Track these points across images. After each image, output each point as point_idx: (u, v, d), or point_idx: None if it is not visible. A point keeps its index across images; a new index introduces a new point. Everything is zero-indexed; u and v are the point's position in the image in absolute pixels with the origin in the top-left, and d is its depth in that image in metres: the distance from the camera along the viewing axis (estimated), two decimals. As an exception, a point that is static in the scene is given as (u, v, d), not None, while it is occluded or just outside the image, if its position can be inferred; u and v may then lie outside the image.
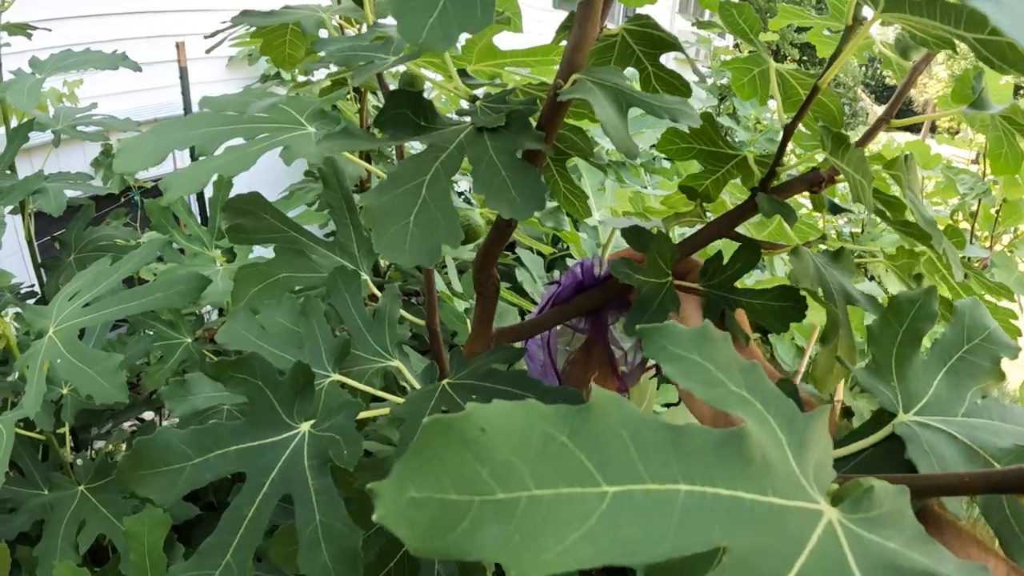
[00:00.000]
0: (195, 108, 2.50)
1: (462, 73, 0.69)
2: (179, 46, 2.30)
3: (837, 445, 0.54)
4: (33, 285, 1.08)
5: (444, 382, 0.60)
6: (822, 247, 0.72)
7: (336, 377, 0.63)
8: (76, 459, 0.90)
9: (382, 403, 0.65)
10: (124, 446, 0.99)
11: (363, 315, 0.67)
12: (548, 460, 0.26)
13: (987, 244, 1.74)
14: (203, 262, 0.98)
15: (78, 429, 0.96)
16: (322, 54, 0.64)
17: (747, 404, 0.36)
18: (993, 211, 1.69)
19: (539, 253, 1.22)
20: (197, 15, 2.84)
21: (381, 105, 0.66)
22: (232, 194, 1.07)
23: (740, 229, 0.67)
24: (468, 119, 0.56)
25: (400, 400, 0.63)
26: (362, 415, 0.60)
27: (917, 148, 1.83)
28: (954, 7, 0.45)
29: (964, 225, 1.78)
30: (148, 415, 1.12)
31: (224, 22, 0.80)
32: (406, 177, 0.51)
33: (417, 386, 0.66)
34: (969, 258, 1.45)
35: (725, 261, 0.63)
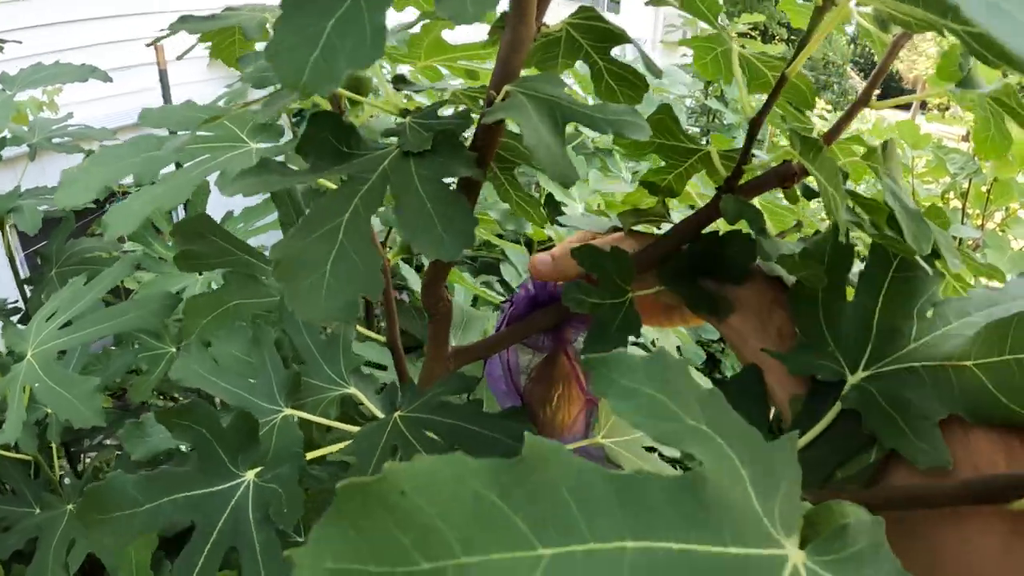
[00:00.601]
0: None
1: (399, 80, 0.61)
2: (158, 49, 2.23)
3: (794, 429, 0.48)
4: (17, 301, 1.06)
5: (396, 415, 0.56)
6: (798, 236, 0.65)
7: (288, 411, 0.59)
8: (64, 477, 0.89)
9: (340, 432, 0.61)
10: (115, 457, 0.99)
11: (317, 340, 0.63)
12: (477, 523, 0.22)
13: (979, 223, 1.63)
14: (181, 272, 0.94)
15: (70, 442, 0.95)
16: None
17: (706, 439, 0.31)
18: (984, 189, 1.57)
19: (526, 243, 1.16)
20: (175, 17, 2.69)
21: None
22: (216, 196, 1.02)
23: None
24: (396, 140, 0.50)
25: (356, 430, 0.59)
26: (315, 454, 0.57)
27: (906, 127, 1.70)
28: (941, -4, 0.37)
29: (956, 204, 1.66)
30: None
31: (162, 30, 0.73)
32: (321, 219, 0.45)
33: (377, 412, 0.62)
34: (961, 239, 1.35)
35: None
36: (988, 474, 0.37)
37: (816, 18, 0.50)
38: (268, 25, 0.74)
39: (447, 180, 0.47)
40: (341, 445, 0.57)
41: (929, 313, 0.48)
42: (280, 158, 0.63)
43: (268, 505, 0.50)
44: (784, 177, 0.55)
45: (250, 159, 0.62)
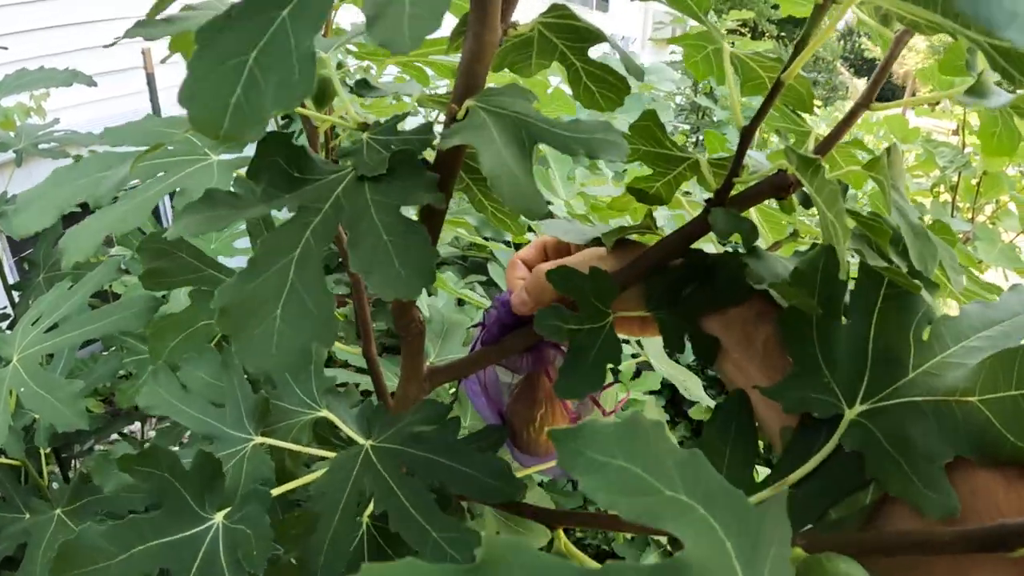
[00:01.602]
0: (164, 112, 2.37)
1: (362, 85, 0.55)
2: (145, 53, 2.17)
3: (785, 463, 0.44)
4: (6, 307, 1.03)
5: (368, 444, 0.52)
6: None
7: (259, 440, 0.55)
8: (52, 482, 0.86)
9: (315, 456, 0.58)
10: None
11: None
12: (432, 636, 0.19)
13: (969, 216, 1.56)
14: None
15: (60, 448, 0.93)
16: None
17: (686, 511, 0.27)
18: (974, 182, 1.50)
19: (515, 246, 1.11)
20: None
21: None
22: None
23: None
24: (351, 161, 0.44)
25: (330, 454, 0.56)
26: (283, 488, 0.53)
27: (895, 121, 1.61)
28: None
29: (945, 197, 1.59)
30: (135, 426, 1.08)
31: (117, 37, 0.67)
32: (270, 258, 0.40)
33: (353, 434, 0.58)
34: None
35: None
36: (989, 523, 0.34)
37: (815, 17, 0.44)
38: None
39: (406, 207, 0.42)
40: (312, 476, 0.53)
41: (926, 334, 0.44)
42: (243, 170, 0.58)
43: (239, 547, 0.47)
44: (779, 187, 0.50)
45: (211, 173, 0.57)
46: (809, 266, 0.46)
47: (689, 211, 0.58)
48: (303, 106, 0.56)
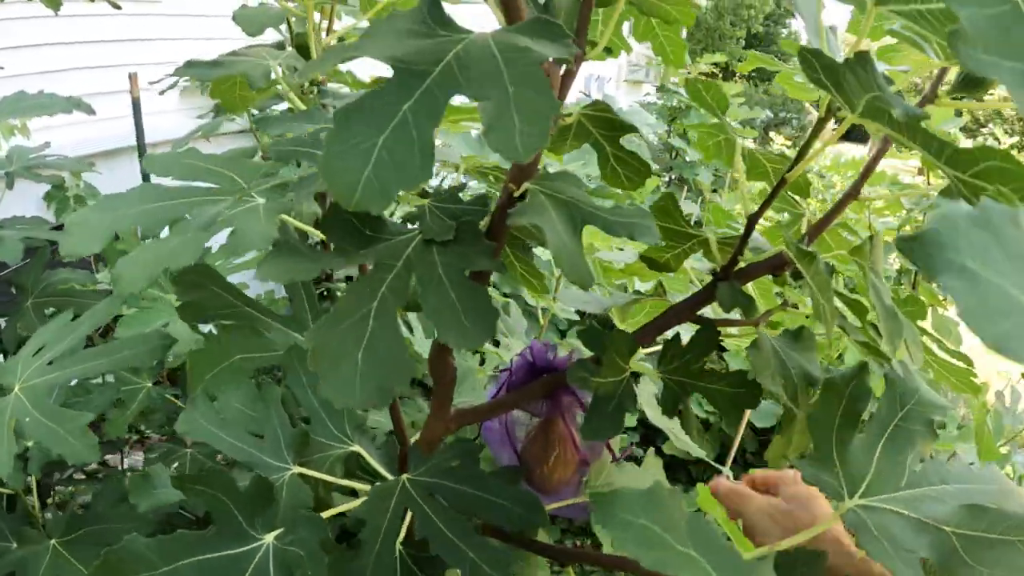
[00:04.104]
0: (148, 139, 2.45)
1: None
2: (132, 77, 2.25)
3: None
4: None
5: (404, 477, 0.62)
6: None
7: (297, 470, 0.64)
8: (44, 512, 0.92)
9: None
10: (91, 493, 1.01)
11: (321, 398, 0.68)
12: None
13: None
14: (163, 307, 0.98)
15: (41, 475, 0.98)
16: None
17: (692, 563, 0.39)
18: None
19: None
20: (151, 44, 2.80)
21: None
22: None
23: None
24: (417, 225, 0.56)
25: (365, 487, 0.65)
26: (328, 513, 0.62)
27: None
28: (935, 139, 0.44)
29: None
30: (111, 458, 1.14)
31: (168, 75, 0.78)
32: (351, 308, 0.51)
33: (382, 471, 0.68)
34: (916, 272, 1.46)
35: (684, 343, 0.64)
36: None
37: (817, 128, 0.58)
38: (273, 74, 0.79)
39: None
40: (353, 504, 0.63)
41: (918, 468, 0.56)
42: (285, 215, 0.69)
43: (290, 568, 0.55)
44: (776, 266, 0.63)
45: (257, 215, 0.67)
46: (843, 380, 0.58)
47: (694, 279, 0.71)
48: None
